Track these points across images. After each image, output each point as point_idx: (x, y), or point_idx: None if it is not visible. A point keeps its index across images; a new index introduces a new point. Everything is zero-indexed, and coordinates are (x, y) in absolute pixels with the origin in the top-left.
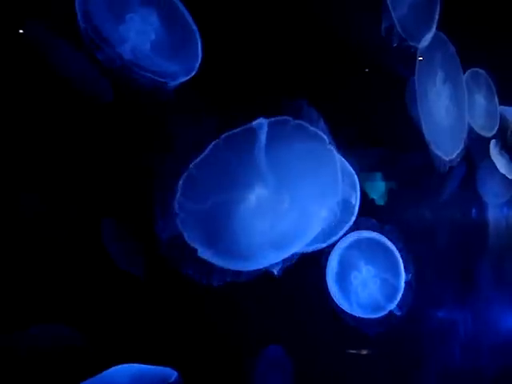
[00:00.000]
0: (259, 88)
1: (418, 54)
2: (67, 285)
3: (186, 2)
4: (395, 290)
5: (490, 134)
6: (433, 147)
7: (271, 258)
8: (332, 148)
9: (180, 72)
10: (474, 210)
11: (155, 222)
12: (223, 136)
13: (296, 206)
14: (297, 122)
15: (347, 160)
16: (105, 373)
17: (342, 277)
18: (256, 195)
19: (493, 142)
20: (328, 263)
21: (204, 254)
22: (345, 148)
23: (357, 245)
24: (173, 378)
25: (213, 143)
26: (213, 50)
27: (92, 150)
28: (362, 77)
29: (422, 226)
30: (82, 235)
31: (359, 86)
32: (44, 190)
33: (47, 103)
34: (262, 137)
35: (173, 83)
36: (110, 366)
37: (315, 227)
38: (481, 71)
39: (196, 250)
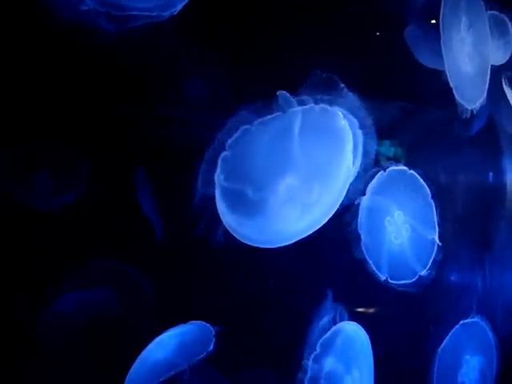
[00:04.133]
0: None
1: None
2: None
3: None
4: (427, 247)
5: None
6: (456, 95)
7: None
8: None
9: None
10: (491, 174)
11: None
12: (256, 122)
13: (324, 191)
14: (320, 106)
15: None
16: (149, 347)
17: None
18: (286, 184)
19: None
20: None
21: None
22: (363, 103)
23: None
24: (213, 332)
25: (244, 127)
26: None
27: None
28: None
29: (441, 183)
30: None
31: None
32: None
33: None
34: (296, 126)
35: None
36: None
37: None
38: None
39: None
